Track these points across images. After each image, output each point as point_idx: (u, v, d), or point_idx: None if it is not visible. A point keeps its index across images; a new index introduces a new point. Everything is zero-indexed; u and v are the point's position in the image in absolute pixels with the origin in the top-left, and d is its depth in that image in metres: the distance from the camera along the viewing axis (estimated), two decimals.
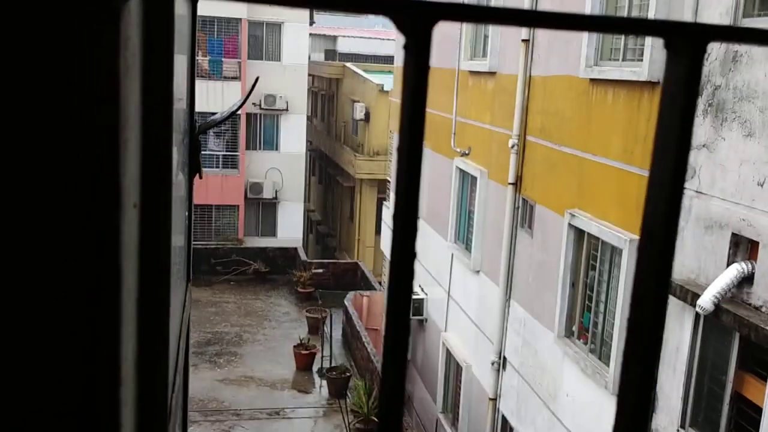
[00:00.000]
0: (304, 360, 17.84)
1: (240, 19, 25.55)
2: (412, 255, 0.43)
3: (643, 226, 0.46)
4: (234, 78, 25.60)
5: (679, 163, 0.45)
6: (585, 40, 8.65)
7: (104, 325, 0.50)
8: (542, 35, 9.99)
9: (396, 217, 0.40)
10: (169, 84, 0.79)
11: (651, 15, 7.39)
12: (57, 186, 0.46)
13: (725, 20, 6.40)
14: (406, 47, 0.38)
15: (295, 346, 18.07)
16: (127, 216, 0.58)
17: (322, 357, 17.74)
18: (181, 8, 1.38)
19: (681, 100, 0.44)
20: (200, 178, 1.88)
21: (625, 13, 8.18)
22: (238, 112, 25.36)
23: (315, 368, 17.87)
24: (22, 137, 0.45)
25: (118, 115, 0.46)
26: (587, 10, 8.59)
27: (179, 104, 1.49)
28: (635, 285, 0.47)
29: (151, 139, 0.73)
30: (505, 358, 11.02)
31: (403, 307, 0.42)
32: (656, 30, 0.45)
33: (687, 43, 0.43)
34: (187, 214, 1.79)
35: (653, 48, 7.35)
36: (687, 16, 6.86)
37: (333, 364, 17.45)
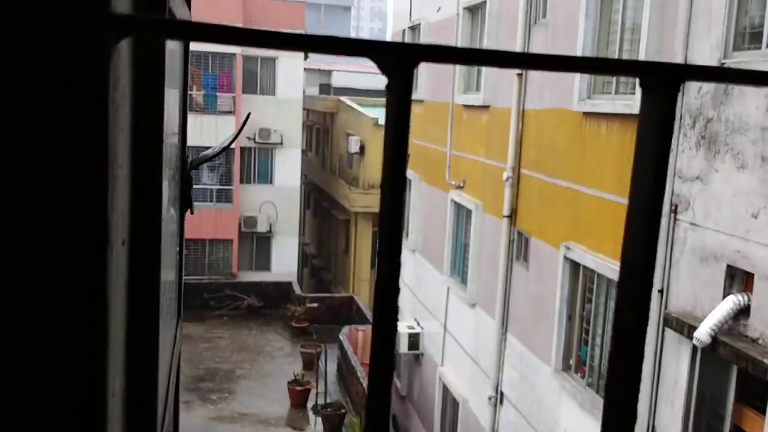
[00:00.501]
0: (299, 396, 17.64)
1: (234, 54, 25.80)
2: (396, 291, 0.42)
3: (622, 261, 0.46)
4: (228, 112, 25.74)
5: (655, 198, 0.45)
6: (578, 73, 8.74)
7: (90, 360, 0.48)
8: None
9: (380, 254, 0.39)
10: (159, 123, 0.78)
11: (642, 48, 7.47)
12: (44, 223, 0.45)
13: (716, 54, 6.48)
14: (388, 88, 0.37)
15: (289, 382, 17.88)
16: (116, 252, 0.57)
17: (317, 393, 17.54)
18: (172, 43, 1.38)
19: (656, 137, 0.44)
20: (191, 213, 1.87)
21: (616, 47, 8.28)
22: (232, 146, 25.47)
23: (310, 405, 17.65)
24: (9, 171, 0.44)
25: (107, 155, 0.46)
26: (579, 43, 8.70)
27: (171, 139, 1.49)
28: (616, 317, 0.46)
29: (142, 176, 0.72)
30: (502, 393, 10.91)
31: (389, 339, 0.41)
32: (631, 70, 0.45)
33: (661, 82, 0.44)
34: (178, 249, 1.77)
35: None
36: (678, 50, 6.94)
37: (328, 401, 17.25)
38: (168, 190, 1.42)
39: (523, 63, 0.46)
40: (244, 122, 3.29)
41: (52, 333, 0.48)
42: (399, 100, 0.39)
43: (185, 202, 1.76)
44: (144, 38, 0.62)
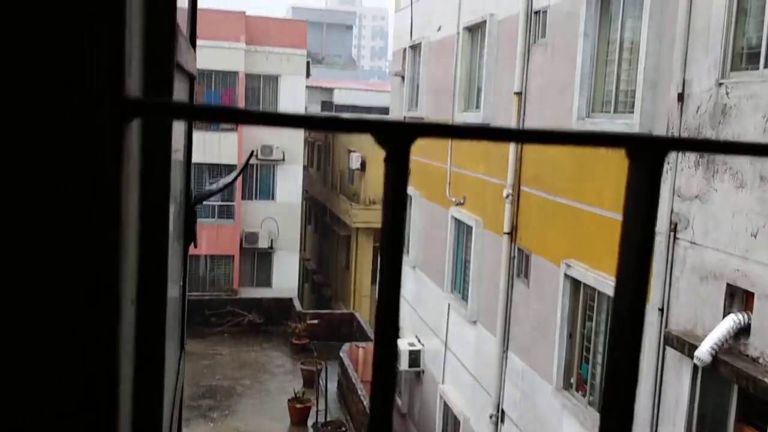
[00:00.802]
0: (299, 414, 17.56)
1: (237, 72, 25.94)
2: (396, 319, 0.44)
3: (611, 326, 0.48)
4: (231, 130, 25.84)
5: (641, 266, 0.47)
6: (577, 91, 8.79)
7: (100, 417, 0.50)
8: (534, 87, 10.16)
9: (376, 334, 0.42)
10: (166, 187, 0.81)
11: (641, 68, 7.52)
12: (57, 291, 0.47)
13: (713, 74, 6.52)
14: (386, 160, 0.40)
15: (289, 400, 17.81)
16: (124, 313, 0.60)
17: (317, 411, 17.46)
18: (178, 86, 1.41)
19: (643, 206, 0.46)
20: (195, 247, 1.89)
21: (615, 66, 8.34)
22: (234, 162, 25.53)
23: (310, 423, 17.57)
24: (30, 236, 0.47)
25: (120, 224, 0.48)
26: (578, 63, 8.76)
27: (177, 178, 1.51)
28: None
29: (149, 237, 0.75)
30: (503, 411, 10.87)
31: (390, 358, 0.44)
32: (617, 142, 0.48)
33: (646, 154, 0.46)
34: (181, 283, 1.80)
35: (644, 100, 7.47)
36: (676, 70, 6.99)
37: (328, 419, 17.17)
38: (173, 226, 1.45)
39: (516, 137, 0.48)
40: (248, 158, 3.33)
41: (62, 397, 0.50)
42: (396, 174, 0.42)
43: (189, 237, 1.79)
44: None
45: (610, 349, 0.50)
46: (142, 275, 0.75)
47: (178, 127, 1.51)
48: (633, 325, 0.48)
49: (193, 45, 1.76)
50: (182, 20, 1.51)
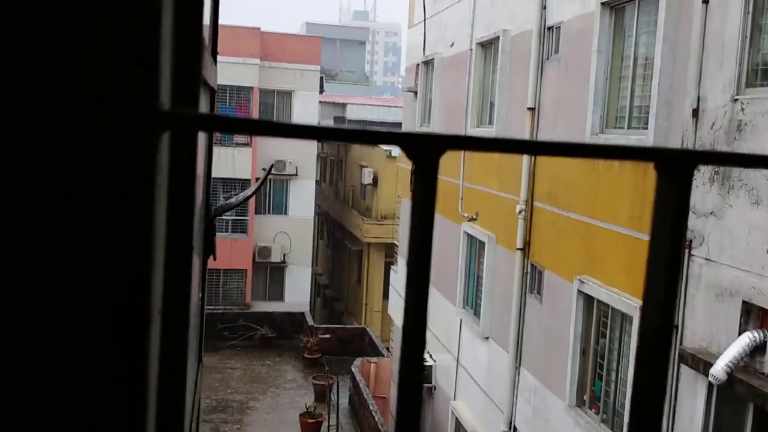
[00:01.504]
0: (311, 429, 17.50)
1: (252, 87, 26.12)
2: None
3: (639, 341, 0.48)
4: (245, 144, 25.99)
5: (670, 283, 0.47)
6: (590, 107, 8.79)
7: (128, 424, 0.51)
8: (548, 103, 10.16)
9: (403, 353, 0.42)
10: (191, 198, 0.82)
11: (655, 84, 7.51)
12: (90, 301, 0.48)
13: (729, 90, 6.50)
14: (414, 172, 0.41)
15: (301, 415, 17.76)
16: (153, 324, 0.61)
17: (329, 426, 17.40)
18: (202, 99, 1.43)
19: (671, 221, 0.46)
20: (214, 260, 1.91)
21: (629, 82, 8.33)
22: (248, 177, 25.65)
23: None
24: (64, 252, 0.48)
25: (153, 235, 0.49)
26: (591, 79, 8.76)
27: (198, 192, 1.53)
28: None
29: (175, 249, 0.76)
30: (515, 428, 10.79)
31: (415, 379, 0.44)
32: (646, 155, 0.48)
33: (675, 167, 0.46)
34: (201, 295, 1.81)
35: (658, 116, 7.45)
36: (690, 86, 6.97)
37: None
38: (193, 238, 1.46)
39: (544, 150, 0.48)
40: (267, 173, 3.36)
41: (89, 401, 0.50)
42: (425, 185, 0.42)
43: (209, 249, 1.80)
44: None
45: (636, 373, 0.50)
46: (168, 287, 0.76)
47: (199, 141, 1.53)
48: (660, 345, 0.48)
49: (215, 59, 1.79)
50: (205, 35, 1.54)
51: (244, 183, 26.10)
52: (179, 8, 0.72)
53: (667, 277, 0.47)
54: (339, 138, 0.40)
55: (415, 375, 0.42)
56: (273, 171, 26.61)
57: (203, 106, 1.36)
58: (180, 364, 0.81)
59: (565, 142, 0.46)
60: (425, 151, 0.42)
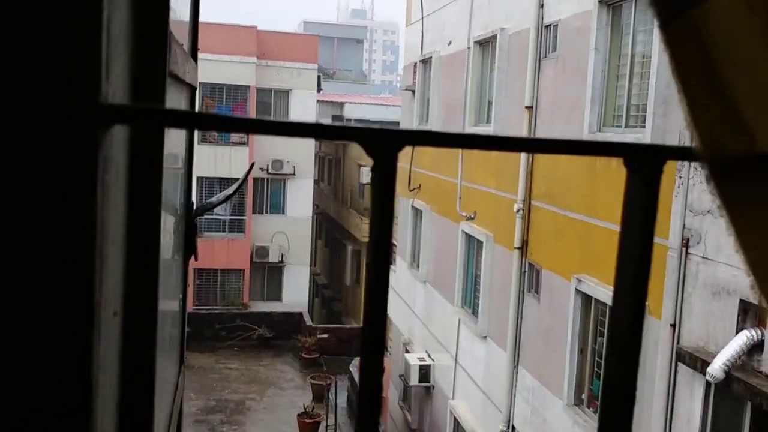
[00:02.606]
0: (309, 429, 17.50)
1: (249, 86, 26.10)
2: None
3: (609, 337, 0.46)
4: (242, 144, 25.97)
5: (640, 280, 0.46)
6: (588, 106, 8.78)
7: None
8: (545, 101, 10.15)
9: (362, 350, 0.41)
10: (157, 195, 0.80)
11: (652, 81, 7.50)
12: (26, 302, 0.47)
13: None
14: (373, 169, 0.39)
15: (299, 415, 17.76)
16: (105, 325, 0.59)
17: (327, 426, 17.40)
18: (177, 97, 1.41)
19: (640, 216, 0.45)
20: (196, 260, 1.89)
21: (626, 80, 8.32)
22: (247, 180, 25.61)
23: None
24: None
25: (95, 235, 0.47)
26: (589, 77, 8.75)
27: (177, 190, 1.51)
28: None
29: (138, 247, 0.74)
30: (513, 427, 10.78)
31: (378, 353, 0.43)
32: (615, 151, 0.47)
33: (644, 163, 0.46)
34: (181, 296, 1.79)
35: (655, 114, 7.44)
36: None
37: None
38: (172, 239, 1.44)
39: (507, 146, 0.47)
40: (248, 171, 3.35)
41: (34, 408, 0.48)
42: (383, 182, 0.41)
43: (190, 250, 1.78)
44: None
45: (606, 362, 0.48)
46: (129, 287, 0.74)
47: (178, 139, 1.51)
48: (631, 341, 0.46)
49: (195, 57, 1.77)
50: (182, 33, 1.52)
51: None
52: (141, 4, 0.71)
53: (637, 271, 0.45)
54: (292, 133, 0.39)
55: (376, 373, 0.40)
56: (270, 170, 26.61)
57: (177, 104, 1.34)
58: (146, 366, 0.79)
59: (530, 138, 0.45)
60: (383, 147, 0.40)
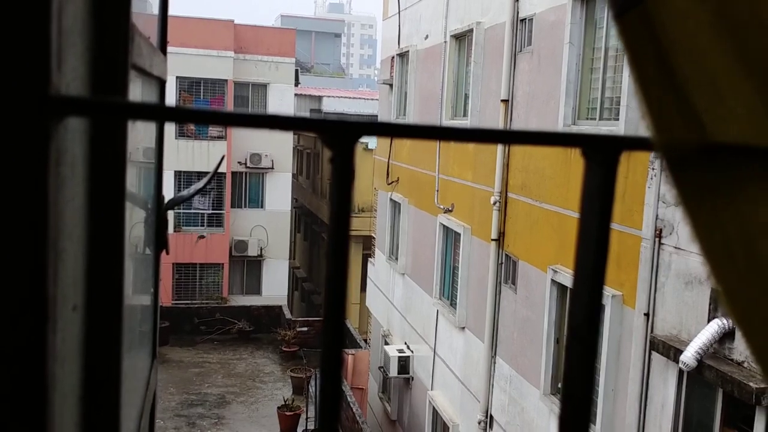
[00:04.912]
0: (289, 422, 17.50)
1: (226, 80, 25.92)
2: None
3: (569, 323, 0.49)
4: (219, 137, 25.80)
5: (598, 266, 0.48)
6: (563, 98, 8.85)
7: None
8: (521, 95, 10.22)
9: (323, 330, 0.43)
10: (120, 187, 0.80)
11: (625, 74, 7.59)
12: None
13: None
14: (331, 160, 0.42)
15: (279, 408, 17.75)
16: (63, 320, 0.59)
17: (307, 418, 17.42)
18: (146, 91, 1.42)
19: (598, 205, 0.47)
20: (167, 254, 1.90)
21: (600, 74, 8.40)
22: (224, 171, 25.49)
23: (300, 430, 17.51)
24: None
25: (47, 229, 0.48)
26: (563, 70, 8.82)
27: (147, 182, 1.52)
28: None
29: (100, 241, 0.74)
30: (491, 417, 10.88)
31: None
32: (573, 141, 0.48)
33: (601, 152, 0.47)
34: (153, 290, 1.79)
35: (629, 107, 7.53)
36: None
37: (318, 426, 17.10)
38: (142, 231, 1.45)
39: (463, 137, 0.48)
40: (219, 164, 3.35)
41: None
42: (342, 171, 0.43)
43: (161, 243, 1.79)
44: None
45: (566, 350, 0.50)
46: (92, 281, 0.74)
47: (147, 132, 1.52)
48: (590, 324, 0.48)
49: (164, 50, 1.77)
50: (149, 25, 1.52)
51: (219, 176, 25.91)
52: None
53: (595, 261, 0.47)
54: (249, 124, 0.41)
55: (336, 356, 0.43)
56: (249, 164, 26.47)
57: (144, 97, 1.35)
58: (111, 360, 0.80)
59: (490, 128, 0.46)
60: (340, 138, 0.42)
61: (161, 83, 1.70)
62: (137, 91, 1.19)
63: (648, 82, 0.47)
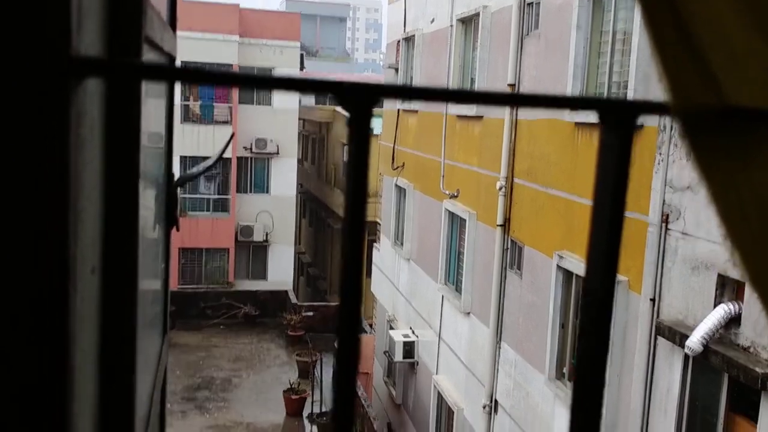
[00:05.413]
0: (295, 405, 17.61)
1: (231, 65, 25.86)
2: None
3: (584, 291, 0.48)
4: (225, 122, 25.79)
5: (613, 236, 0.47)
6: (570, 82, 8.80)
7: (51, 396, 0.50)
8: (528, 79, 10.16)
9: (342, 284, 0.43)
10: (135, 152, 0.81)
11: (633, 58, 7.53)
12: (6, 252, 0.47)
13: None
14: (349, 123, 0.41)
15: (285, 391, 17.86)
16: (82, 281, 0.60)
17: (313, 401, 17.52)
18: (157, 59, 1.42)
19: (614, 170, 0.46)
20: (177, 230, 1.90)
21: (608, 57, 8.35)
22: (229, 156, 25.48)
23: (305, 413, 17.62)
24: None
25: (68, 189, 0.48)
26: (571, 54, 8.76)
27: (155, 159, 1.52)
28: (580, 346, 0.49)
29: (115, 204, 0.75)
30: (496, 401, 10.92)
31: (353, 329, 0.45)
32: (590, 106, 0.48)
33: (618, 117, 0.46)
34: (164, 265, 1.80)
35: (636, 91, 7.49)
36: None
37: (324, 409, 17.23)
38: (153, 208, 1.45)
39: (481, 100, 0.48)
40: (228, 141, 3.35)
41: (8, 356, 0.49)
42: (359, 134, 0.42)
43: (171, 220, 1.79)
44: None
45: (581, 322, 0.50)
46: (108, 244, 0.75)
47: (158, 110, 1.51)
48: (604, 302, 0.48)
49: (173, 28, 1.76)
50: (161, 2, 1.51)
51: (224, 161, 25.92)
52: None
53: (611, 224, 0.47)
54: (263, 86, 0.40)
55: (352, 347, 0.43)
56: (254, 149, 26.46)
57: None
58: (126, 323, 0.81)
59: (508, 93, 0.46)
60: (358, 100, 0.42)
61: (171, 60, 1.70)
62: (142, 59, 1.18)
63: (665, 42, 0.47)
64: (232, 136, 3.83)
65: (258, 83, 0.40)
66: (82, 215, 0.58)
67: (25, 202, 0.47)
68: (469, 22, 12.39)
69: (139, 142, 0.82)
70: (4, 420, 0.49)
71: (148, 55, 1.06)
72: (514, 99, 0.48)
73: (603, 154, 0.49)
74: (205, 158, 25.05)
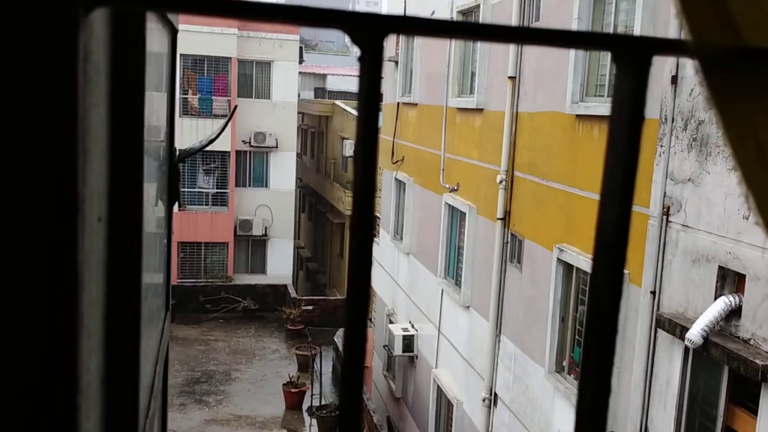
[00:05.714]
0: (294, 398, 17.63)
1: (230, 57, 25.80)
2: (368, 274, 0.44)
3: (597, 236, 0.47)
4: (224, 116, 25.73)
5: (628, 178, 0.46)
6: (570, 76, 8.78)
7: (59, 335, 0.49)
8: (529, 72, 10.14)
9: (353, 226, 0.41)
10: (140, 100, 0.80)
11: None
12: (11, 189, 0.47)
13: None
14: (360, 59, 0.39)
15: (284, 384, 17.87)
16: (89, 228, 0.58)
17: (312, 395, 17.54)
18: (159, 29, 1.40)
19: (629, 111, 0.45)
20: (179, 207, 1.89)
21: (607, 62, 8.31)
22: (228, 149, 25.44)
23: (305, 407, 17.64)
24: None
25: (76, 124, 0.47)
26: (571, 55, 8.74)
27: (157, 134, 1.50)
28: (590, 298, 0.48)
29: (121, 153, 0.73)
30: (496, 395, 10.93)
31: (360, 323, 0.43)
32: (603, 43, 0.46)
33: (633, 55, 0.45)
34: (166, 241, 1.79)
35: None
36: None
37: (323, 402, 17.25)
38: (156, 181, 1.44)
39: (492, 36, 0.46)
40: (232, 113, 3.33)
41: (17, 304, 0.48)
42: (370, 70, 0.40)
43: (173, 195, 1.78)
44: (119, 11, 0.64)
45: (588, 311, 0.48)
46: (113, 192, 0.74)
47: (159, 97, 1.50)
48: (620, 236, 0.47)
49: None
50: None
51: (223, 155, 25.91)
52: None
53: (625, 173, 0.46)
54: (271, 18, 0.38)
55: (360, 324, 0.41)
56: (253, 143, 26.42)
57: (162, 44, 1.33)
58: (132, 271, 0.80)
59: (519, 27, 0.44)
60: (369, 33, 0.40)
61: (173, 32, 1.68)
62: (154, 37, 1.16)
63: None
64: (234, 109, 3.81)
65: (262, 14, 0.38)
66: (88, 156, 0.57)
67: (36, 131, 0.46)
68: (469, 14, 12.36)
69: (144, 85, 0.81)
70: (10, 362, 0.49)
71: (151, 26, 1.04)
72: (529, 35, 0.45)
73: (618, 92, 0.47)
74: (205, 152, 25.03)
